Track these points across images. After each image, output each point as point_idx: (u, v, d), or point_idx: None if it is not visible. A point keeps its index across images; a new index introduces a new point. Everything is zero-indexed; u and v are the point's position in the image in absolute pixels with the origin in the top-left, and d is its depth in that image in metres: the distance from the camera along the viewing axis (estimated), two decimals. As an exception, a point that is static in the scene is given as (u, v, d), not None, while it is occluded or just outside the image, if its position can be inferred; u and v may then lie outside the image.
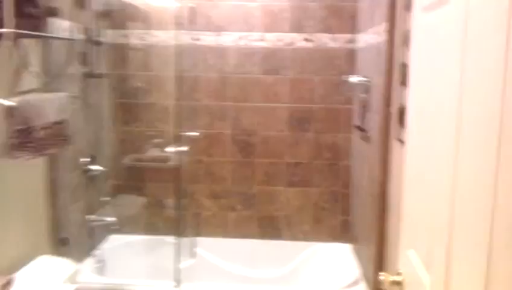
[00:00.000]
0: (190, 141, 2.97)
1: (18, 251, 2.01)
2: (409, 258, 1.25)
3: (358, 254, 2.77)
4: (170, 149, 2.53)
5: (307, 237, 3.12)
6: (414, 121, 1.29)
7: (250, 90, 3.04)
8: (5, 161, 1.75)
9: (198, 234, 3.10)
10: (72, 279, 1.97)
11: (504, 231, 0.70)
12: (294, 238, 3.13)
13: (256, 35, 3.00)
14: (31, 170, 2.11)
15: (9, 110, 1.60)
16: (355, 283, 2.51)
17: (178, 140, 2.38)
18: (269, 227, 3.14)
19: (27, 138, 1.68)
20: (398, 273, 1.32)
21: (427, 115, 1.14)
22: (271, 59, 3.01)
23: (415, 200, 1.26)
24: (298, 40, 2.99)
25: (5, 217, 1.92)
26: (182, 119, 3.00)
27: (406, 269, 1.29)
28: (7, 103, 1.60)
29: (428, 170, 1.11)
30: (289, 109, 3.04)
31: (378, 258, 2.13)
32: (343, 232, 3.09)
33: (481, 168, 0.78)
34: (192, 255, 2.94)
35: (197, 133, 3.02)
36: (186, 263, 2.83)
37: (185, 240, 2.89)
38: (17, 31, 1.67)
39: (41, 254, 2.15)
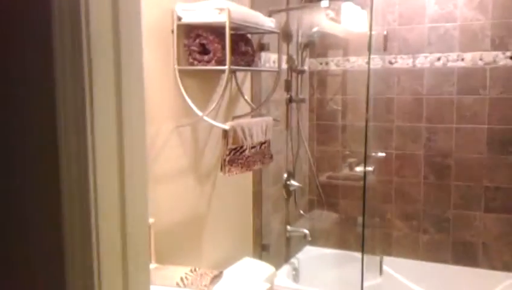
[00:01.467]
0: (379, 161, 3.05)
1: (227, 252, 2.38)
2: None
3: None
4: (358, 169, 2.66)
5: (507, 267, 2.88)
6: None
7: (446, 111, 2.99)
8: (221, 176, 2.12)
9: (388, 254, 3.14)
10: (269, 280, 2.25)
11: None
12: (492, 267, 2.93)
13: (454, 55, 2.94)
14: (240, 183, 2.48)
15: (226, 133, 1.95)
16: None
17: (366, 160, 2.51)
18: (464, 253, 3.00)
19: (237, 156, 2.01)
20: None
21: None
22: (470, 79, 2.91)
23: None
24: (501, 58, 2.84)
25: (221, 223, 2.30)
26: (371, 140, 3.11)
27: None
28: (225, 126, 1.95)
29: None
30: (489, 130, 2.89)
31: None
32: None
33: None
34: (380, 272, 2.98)
35: (384, 154, 3.07)
36: (373, 280, 2.90)
37: (373, 258, 2.96)
38: (235, 67, 2.02)
39: (246, 256, 2.49)
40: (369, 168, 2.14)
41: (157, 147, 1.85)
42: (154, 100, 1.81)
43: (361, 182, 3.11)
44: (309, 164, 3.34)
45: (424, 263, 3.08)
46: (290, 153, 3.08)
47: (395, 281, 3.06)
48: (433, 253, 3.08)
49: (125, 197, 0.75)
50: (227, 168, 1.93)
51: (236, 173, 1.99)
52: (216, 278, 1.63)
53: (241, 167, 2.01)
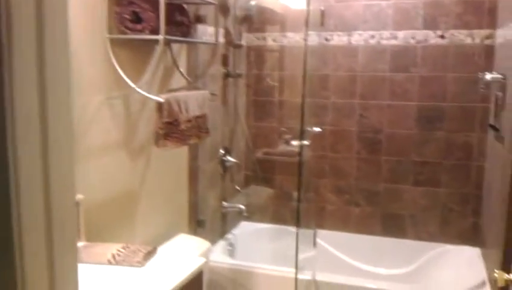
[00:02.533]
0: (314, 136, 3.10)
1: (162, 229, 2.33)
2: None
3: (486, 258, 2.65)
4: (294, 143, 2.68)
5: (433, 237, 3.05)
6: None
7: (378, 88, 3.07)
8: (156, 149, 2.06)
9: (321, 227, 3.22)
10: (205, 255, 2.23)
11: None
12: (419, 238, 3.08)
13: (387, 33, 3.01)
14: (175, 158, 2.42)
15: (160, 105, 1.88)
16: (480, 285, 2.42)
17: (302, 135, 2.53)
18: (393, 225, 3.14)
19: (173, 129, 1.95)
20: (514, 273, 1.31)
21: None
22: (402, 57, 3.00)
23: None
24: (432, 37, 2.94)
25: (155, 199, 2.24)
26: (308, 116, 3.14)
27: (522, 270, 1.27)
28: (159, 98, 1.88)
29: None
30: (419, 107, 3.00)
31: (504, 262, 2.04)
32: (472, 236, 2.97)
33: None
34: (314, 245, 3.05)
35: (320, 129, 3.12)
36: (307, 253, 2.96)
37: (308, 232, 3.02)
38: (169, 37, 1.94)
39: (181, 232, 2.45)
40: (305, 142, 2.15)
41: (86, 120, 1.75)
42: (82, 70, 1.71)
43: (297, 158, 3.15)
44: (245, 139, 3.33)
45: (355, 235, 3.19)
46: (227, 128, 3.05)
47: (328, 253, 3.15)
48: (364, 225, 3.19)
49: (49, 170, 0.71)
50: (161, 142, 1.87)
51: (171, 147, 1.93)
52: (150, 254, 1.58)
53: (177, 141, 1.95)
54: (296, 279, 2.25)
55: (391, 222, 3.14)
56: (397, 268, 3.04)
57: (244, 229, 3.25)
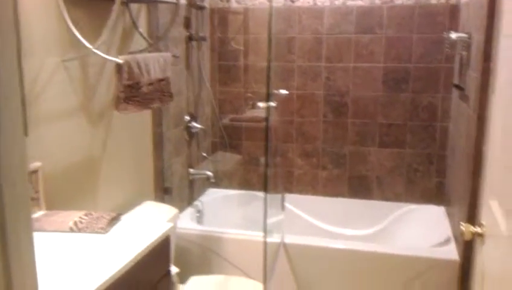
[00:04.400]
0: (281, 101, 3.06)
1: (127, 197, 2.26)
2: (492, 209, 1.24)
3: (451, 216, 2.71)
4: (261, 104, 2.64)
5: (399, 198, 3.10)
6: (505, 71, 1.25)
7: (344, 50, 3.03)
8: (117, 115, 1.98)
9: (289, 191, 3.22)
10: (172, 221, 2.19)
11: None
12: (385, 198, 3.12)
13: (352, -6, 2.96)
14: (138, 124, 2.34)
15: (120, 67, 1.79)
16: (445, 243, 2.48)
17: (268, 97, 2.49)
18: (359, 186, 3.16)
19: (134, 92, 1.87)
20: (480, 225, 1.32)
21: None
22: (368, 18, 2.96)
23: (501, 151, 1.24)
24: (397, -3, 2.91)
25: (118, 166, 2.17)
26: (274, 79, 3.09)
27: (488, 221, 1.28)
28: (118, 60, 1.79)
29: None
30: (384, 69, 2.99)
31: (468, 216, 2.08)
32: (437, 195, 3.03)
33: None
34: (282, 209, 3.06)
35: (287, 92, 3.09)
36: (276, 217, 2.96)
37: (276, 196, 3.02)
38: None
39: (147, 200, 2.39)
40: (272, 104, 2.11)
41: (40, 83, 1.65)
42: (33, 29, 1.60)
43: (264, 124, 3.11)
44: (211, 105, 3.26)
45: (323, 198, 3.21)
46: (191, 94, 2.97)
47: (297, 216, 3.16)
48: (331, 188, 3.21)
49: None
50: (122, 106, 1.79)
51: (132, 111, 1.85)
52: (113, 220, 1.53)
53: (138, 105, 1.87)
54: (265, 242, 2.24)
55: (358, 184, 3.16)
56: (365, 229, 3.08)
57: (212, 196, 3.22)
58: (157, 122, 2.52)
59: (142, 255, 1.40)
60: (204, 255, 2.61)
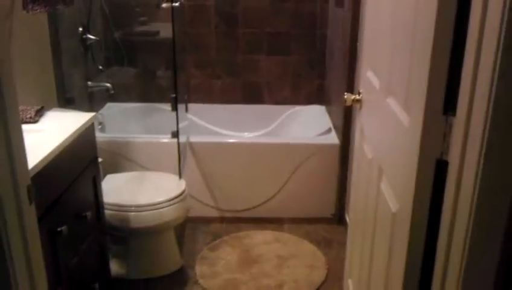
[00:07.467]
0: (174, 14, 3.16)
1: (30, 104, 2.28)
2: (368, 79, 1.57)
3: (330, 113, 3.13)
4: (164, 5, 2.70)
5: (286, 101, 3.46)
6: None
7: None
8: (15, 24, 1.96)
9: (188, 101, 3.41)
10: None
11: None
12: (275, 102, 3.47)
13: None
14: (36, 32, 2.32)
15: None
16: (327, 131, 2.90)
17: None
18: (252, 93, 3.46)
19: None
20: (359, 93, 1.66)
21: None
22: None
23: (372, 27, 1.55)
24: None
25: (19, 75, 2.17)
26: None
27: (365, 89, 1.62)
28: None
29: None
30: (269, -19, 3.21)
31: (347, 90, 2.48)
32: (319, 96, 3.44)
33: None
34: (186, 111, 3.24)
35: (177, 4, 3.19)
36: (181, 122, 3.15)
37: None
38: None
39: (53, 108, 2.43)
40: (176, 4, 2.23)
41: None
42: None
43: (157, 37, 3.22)
44: (105, 17, 3.25)
45: (219, 105, 3.46)
46: (83, 5, 2.93)
47: (196, 124, 3.38)
48: (226, 96, 3.46)
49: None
50: (30, 6, 1.81)
51: (40, 12, 1.88)
52: (40, 111, 1.62)
53: (44, 5, 1.90)
54: (178, 143, 2.44)
55: (250, 90, 3.45)
56: (258, 130, 3.41)
57: (112, 110, 3.29)
58: (53, 31, 2.50)
59: (72, 138, 1.53)
60: (113, 161, 2.75)
